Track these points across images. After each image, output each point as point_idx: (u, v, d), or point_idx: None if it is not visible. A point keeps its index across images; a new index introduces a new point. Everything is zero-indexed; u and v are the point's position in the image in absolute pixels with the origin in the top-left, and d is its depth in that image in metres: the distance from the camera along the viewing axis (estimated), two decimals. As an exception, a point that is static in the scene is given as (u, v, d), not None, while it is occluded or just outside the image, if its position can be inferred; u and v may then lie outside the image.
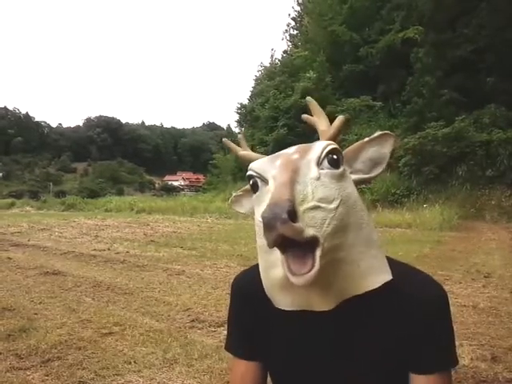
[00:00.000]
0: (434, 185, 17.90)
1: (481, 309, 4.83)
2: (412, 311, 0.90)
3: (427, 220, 13.79)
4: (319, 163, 0.85)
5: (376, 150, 0.96)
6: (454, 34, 19.81)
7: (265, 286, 0.96)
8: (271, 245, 0.75)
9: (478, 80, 18.66)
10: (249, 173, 0.92)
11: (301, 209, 0.76)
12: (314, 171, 0.83)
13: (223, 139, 1.16)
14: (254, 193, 0.92)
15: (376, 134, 0.96)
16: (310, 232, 0.76)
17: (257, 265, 1.00)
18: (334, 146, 0.88)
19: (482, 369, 3.24)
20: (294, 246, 0.76)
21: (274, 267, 0.89)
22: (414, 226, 13.59)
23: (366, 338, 0.92)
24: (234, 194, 1.12)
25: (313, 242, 0.77)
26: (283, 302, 0.93)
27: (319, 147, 0.87)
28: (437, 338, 0.91)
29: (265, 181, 0.87)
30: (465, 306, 4.91)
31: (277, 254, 0.81)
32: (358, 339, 0.92)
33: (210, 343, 3.82)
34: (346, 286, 0.87)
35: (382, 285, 0.88)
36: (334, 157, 0.86)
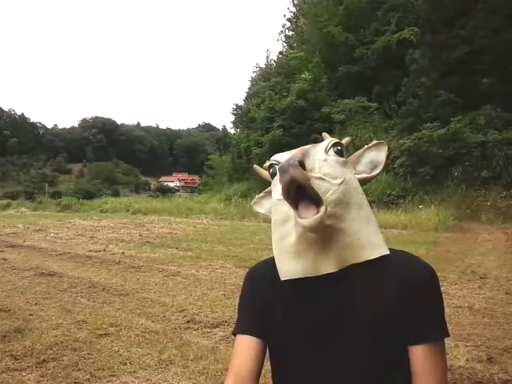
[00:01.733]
0: (430, 186, 17.89)
1: (476, 310, 4.85)
2: (406, 283, 0.97)
3: (423, 221, 13.81)
4: (326, 151, 1.03)
5: (375, 154, 1.13)
6: (450, 35, 19.74)
7: (276, 258, 1.05)
8: (285, 189, 0.90)
9: (474, 81, 18.60)
10: (269, 162, 1.09)
11: (309, 174, 0.92)
12: (321, 154, 1.01)
13: (254, 166, 1.32)
14: (273, 178, 1.08)
15: (373, 142, 1.14)
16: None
17: (268, 258, 1.14)
18: (338, 140, 1.07)
19: (478, 370, 3.26)
20: (304, 198, 0.92)
21: (286, 237, 1.01)
22: (410, 227, 13.61)
23: (363, 305, 0.98)
24: (256, 196, 1.25)
25: (318, 200, 0.92)
26: (292, 270, 1.01)
27: (326, 140, 1.07)
28: (430, 309, 0.99)
29: None
30: (460, 307, 4.93)
31: (289, 224, 0.99)
32: (356, 305, 0.98)
33: (205, 344, 3.81)
34: (347, 254, 0.98)
35: (380, 257, 0.99)
36: (339, 148, 1.04)
